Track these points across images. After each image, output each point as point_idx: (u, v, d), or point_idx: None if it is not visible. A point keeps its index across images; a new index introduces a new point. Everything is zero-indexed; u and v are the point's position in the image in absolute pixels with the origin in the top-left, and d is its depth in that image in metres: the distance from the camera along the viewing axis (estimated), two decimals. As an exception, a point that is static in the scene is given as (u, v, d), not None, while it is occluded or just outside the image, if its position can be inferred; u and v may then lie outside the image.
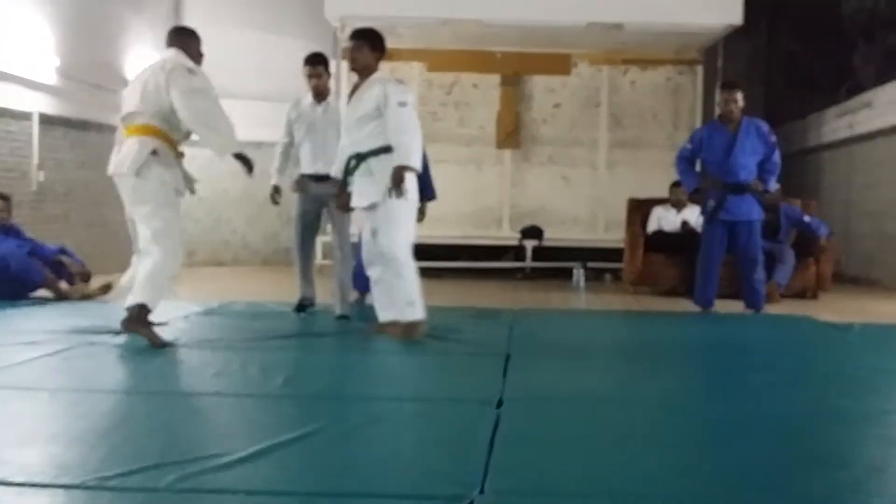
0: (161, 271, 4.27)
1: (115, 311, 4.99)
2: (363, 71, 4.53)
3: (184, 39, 4.50)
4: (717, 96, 7.21)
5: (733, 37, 9.20)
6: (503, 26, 8.67)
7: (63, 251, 6.36)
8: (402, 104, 4.38)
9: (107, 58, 8.71)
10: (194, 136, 4.41)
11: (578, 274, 8.36)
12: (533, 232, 9.30)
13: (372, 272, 4.65)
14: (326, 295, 5.51)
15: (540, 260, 9.18)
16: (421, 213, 5.21)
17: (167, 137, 4.31)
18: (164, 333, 4.35)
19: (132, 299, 4.27)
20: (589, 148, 9.78)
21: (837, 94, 9.79)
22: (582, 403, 3.20)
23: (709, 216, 6.03)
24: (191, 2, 9.95)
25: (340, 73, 8.34)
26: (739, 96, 5.96)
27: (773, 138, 5.99)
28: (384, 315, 4.66)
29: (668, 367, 4.15)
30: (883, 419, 3.08)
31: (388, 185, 4.32)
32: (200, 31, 4.59)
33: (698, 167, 6.32)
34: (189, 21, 7.84)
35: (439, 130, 9.35)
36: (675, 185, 7.53)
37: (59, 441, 2.57)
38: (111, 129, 8.43)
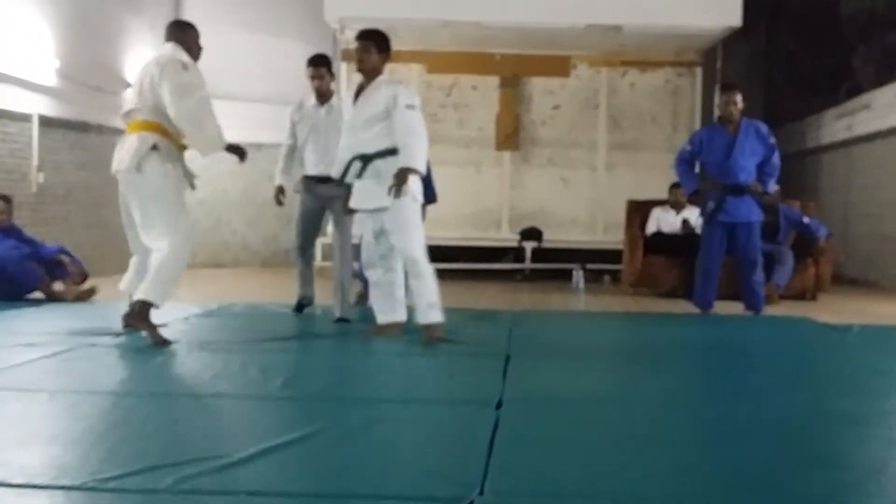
0: (167, 267, 4.28)
1: (114, 312, 5.00)
2: (370, 72, 4.52)
3: (182, 33, 4.51)
4: (717, 98, 7.23)
5: (732, 38, 9.22)
6: (502, 28, 8.68)
7: (63, 251, 6.37)
8: (411, 107, 4.39)
9: (107, 59, 8.71)
10: None
11: (578, 275, 8.36)
12: (532, 233, 9.30)
13: (371, 274, 4.65)
14: (326, 297, 5.51)
15: (539, 261, 9.19)
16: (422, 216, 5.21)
17: (167, 132, 4.32)
18: (164, 334, 4.35)
19: (137, 294, 4.29)
20: (588, 150, 9.78)
21: (836, 96, 9.80)
22: (582, 404, 3.20)
23: (708, 218, 6.04)
24: (190, 3, 9.96)
25: (340, 74, 8.34)
26: (739, 98, 5.97)
27: (773, 140, 6.00)
28: (383, 317, 4.67)
29: (667, 368, 4.15)
30: (882, 420, 3.08)
31: (390, 185, 4.31)
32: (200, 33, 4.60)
33: (697, 169, 6.33)
34: (188, 23, 7.86)
35: (438, 132, 9.33)
36: (675, 186, 7.54)
37: (59, 442, 2.57)
38: (111, 131, 8.44)
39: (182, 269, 4.41)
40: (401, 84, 4.64)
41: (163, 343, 4.24)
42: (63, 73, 7.84)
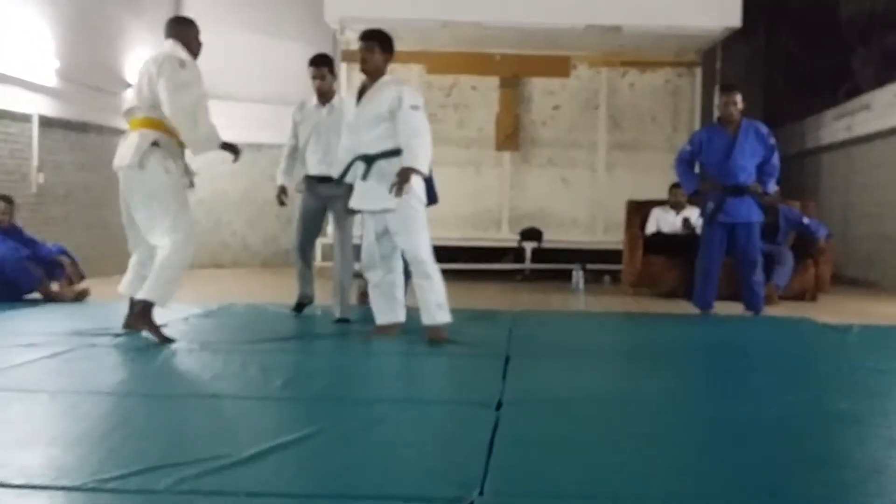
0: (169, 267, 4.29)
1: (113, 312, 5.00)
2: (373, 73, 4.52)
3: (181, 29, 4.51)
4: (716, 99, 7.23)
5: (732, 39, 9.22)
6: (502, 28, 8.69)
7: (64, 252, 6.37)
8: (415, 108, 4.39)
9: (107, 60, 8.72)
10: None
11: (578, 276, 8.36)
12: (532, 234, 9.31)
13: (372, 276, 4.65)
14: (326, 297, 5.51)
15: (539, 262, 9.19)
16: None
17: (168, 129, 4.33)
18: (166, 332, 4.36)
19: (140, 295, 4.29)
20: (588, 150, 9.78)
21: (836, 97, 9.81)
22: (581, 405, 3.21)
23: (708, 218, 6.04)
24: (190, 4, 9.96)
25: (340, 74, 8.34)
26: (738, 98, 5.97)
27: (773, 140, 6.00)
28: (382, 318, 4.67)
29: (667, 368, 4.15)
30: (882, 420, 3.09)
31: (392, 183, 4.31)
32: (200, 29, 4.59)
33: (697, 169, 6.33)
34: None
35: (438, 132, 9.20)
36: (675, 186, 7.54)
37: (59, 443, 2.57)
38: (111, 132, 8.45)
39: (185, 269, 4.41)
40: (405, 84, 4.64)
41: (167, 341, 4.25)
42: (63, 73, 7.84)
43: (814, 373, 4.10)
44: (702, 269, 6.06)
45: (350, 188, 4.63)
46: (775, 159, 5.98)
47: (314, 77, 5.39)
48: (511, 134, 9.64)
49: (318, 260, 7.42)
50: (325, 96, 5.42)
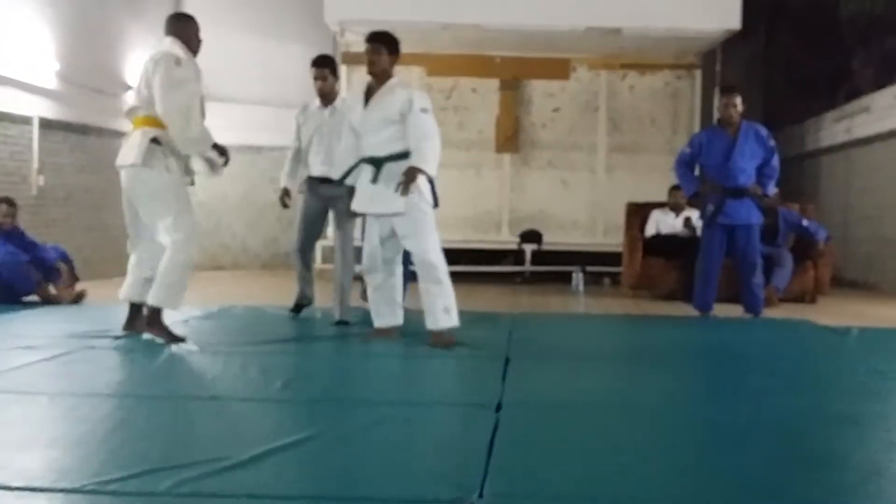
0: (172, 269, 4.32)
1: (112, 314, 5.00)
2: (381, 75, 4.51)
3: (180, 26, 4.52)
4: (716, 101, 7.23)
5: (731, 41, 9.23)
6: (502, 31, 8.69)
7: (63, 258, 6.36)
8: (425, 110, 4.39)
9: (107, 62, 8.72)
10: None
11: (577, 278, 8.36)
12: (532, 236, 9.31)
13: (373, 279, 4.63)
14: (326, 299, 5.51)
15: (539, 264, 9.19)
16: None
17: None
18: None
19: (149, 302, 4.33)
20: (588, 152, 9.79)
21: (835, 99, 9.81)
22: (581, 407, 3.21)
23: (708, 220, 6.04)
24: (190, 6, 9.96)
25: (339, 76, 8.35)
26: (738, 101, 5.98)
27: (772, 143, 6.01)
28: (382, 321, 4.66)
29: (667, 370, 4.15)
30: (881, 422, 3.09)
31: (398, 182, 4.30)
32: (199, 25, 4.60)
33: (697, 171, 6.34)
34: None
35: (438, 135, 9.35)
36: (675, 188, 7.55)
37: (58, 445, 2.57)
38: (111, 134, 8.45)
39: (190, 269, 4.43)
40: (414, 87, 4.65)
41: (180, 340, 4.31)
42: (63, 75, 7.84)
43: (813, 375, 4.11)
44: (701, 271, 6.06)
45: (351, 189, 4.63)
46: (775, 161, 5.99)
47: (316, 78, 5.39)
48: (511, 136, 9.65)
49: (317, 262, 7.42)
50: (326, 97, 5.41)
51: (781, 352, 4.86)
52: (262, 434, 2.71)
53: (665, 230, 7.82)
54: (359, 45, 8.67)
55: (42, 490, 2.16)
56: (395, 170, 4.38)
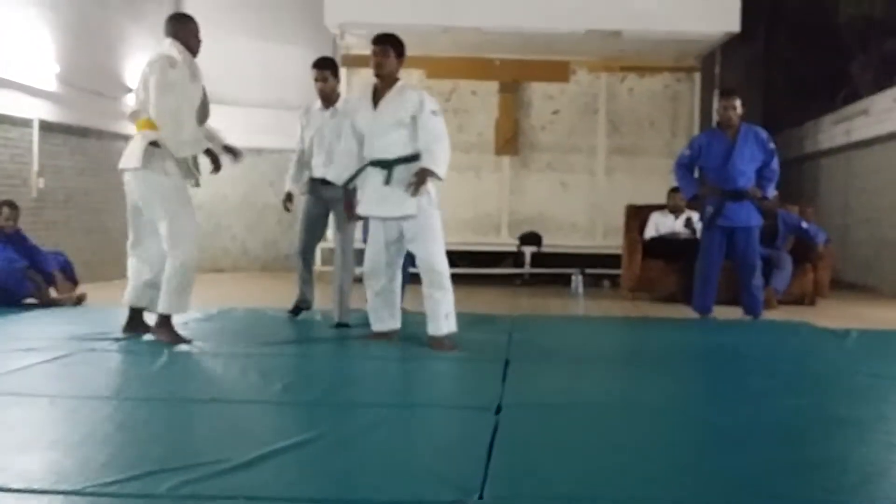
0: (175, 275, 4.38)
1: (112, 317, 5.01)
2: (388, 77, 4.50)
3: (179, 27, 4.53)
4: (716, 103, 7.24)
5: (731, 44, 9.23)
6: (502, 34, 8.70)
7: (62, 266, 6.34)
8: (436, 113, 4.40)
9: (107, 65, 8.72)
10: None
11: (577, 280, 8.37)
12: (531, 238, 9.31)
13: (375, 283, 4.62)
14: (325, 301, 5.51)
15: (538, 266, 9.19)
16: None
17: None
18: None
19: (158, 309, 4.42)
20: (587, 154, 9.79)
21: (835, 102, 9.83)
22: (581, 409, 3.21)
23: (707, 223, 6.05)
24: (191, 8, 9.97)
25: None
26: (738, 103, 5.98)
27: (772, 145, 6.01)
28: (381, 325, 4.66)
29: (666, 372, 4.15)
30: (881, 424, 3.09)
31: (409, 182, 4.29)
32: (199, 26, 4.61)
33: (697, 174, 6.34)
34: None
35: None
36: (674, 190, 7.55)
37: (59, 447, 2.57)
38: (111, 136, 8.45)
39: (194, 272, 4.46)
40: (423, 90, 4.66)
41: (187, 342, 4.38)
42: (64, 78, 7.85)
43: (813, 377, 4.11)
44: (701, 274, 6.07)
45: (351, 192, 4.62)
46: (775, 164, 5.99)
47: (316, 79, 5.39)
48: (510, 138, 9.65)
49: (317, 264, 7.42)
50: (327, 99, 5.41)
51: (781, 354, 4.86)
52: (262, 436, 2.71)
53: (665, 232, 7.83)
54: (359, 48, 8.71)
55: (42, 492, 2.16)
56: (405, 172, 4.38)
